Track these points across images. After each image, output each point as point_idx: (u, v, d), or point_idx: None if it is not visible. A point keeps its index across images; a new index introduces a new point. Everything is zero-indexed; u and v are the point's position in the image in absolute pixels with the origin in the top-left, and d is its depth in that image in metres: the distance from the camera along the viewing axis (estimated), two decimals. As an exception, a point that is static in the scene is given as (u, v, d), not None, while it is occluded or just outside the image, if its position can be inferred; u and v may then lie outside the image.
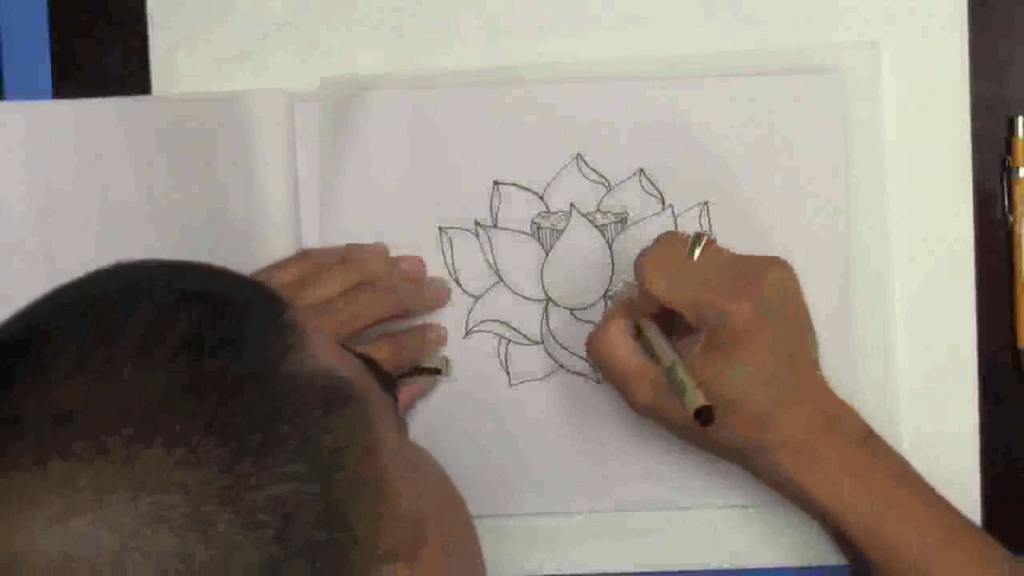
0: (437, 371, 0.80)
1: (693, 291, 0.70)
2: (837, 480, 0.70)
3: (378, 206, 0.81)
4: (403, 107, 0.81)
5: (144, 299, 0.50)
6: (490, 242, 0.81)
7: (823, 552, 0.80)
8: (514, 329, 0.81)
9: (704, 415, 0.66)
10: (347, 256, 0.78)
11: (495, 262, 0.81)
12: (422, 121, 0.81)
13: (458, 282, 0.81)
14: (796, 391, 0.70)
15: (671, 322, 0.73)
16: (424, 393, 0.80)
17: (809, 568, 0.80)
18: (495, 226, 0.81)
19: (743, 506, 0.80)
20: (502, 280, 0.81)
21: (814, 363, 0.73)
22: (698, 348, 0.69)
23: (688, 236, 0.72)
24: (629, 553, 0.81)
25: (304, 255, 0.79)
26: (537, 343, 0.81)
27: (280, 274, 0.77)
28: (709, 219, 0.79)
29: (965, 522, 0.72)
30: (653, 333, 0.72)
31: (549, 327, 0.81)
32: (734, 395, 0.68)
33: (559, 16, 0.81)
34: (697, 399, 0.67)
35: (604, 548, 0.81)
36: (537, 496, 0.81)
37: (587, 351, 0.75)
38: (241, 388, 0.48)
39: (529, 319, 0.81)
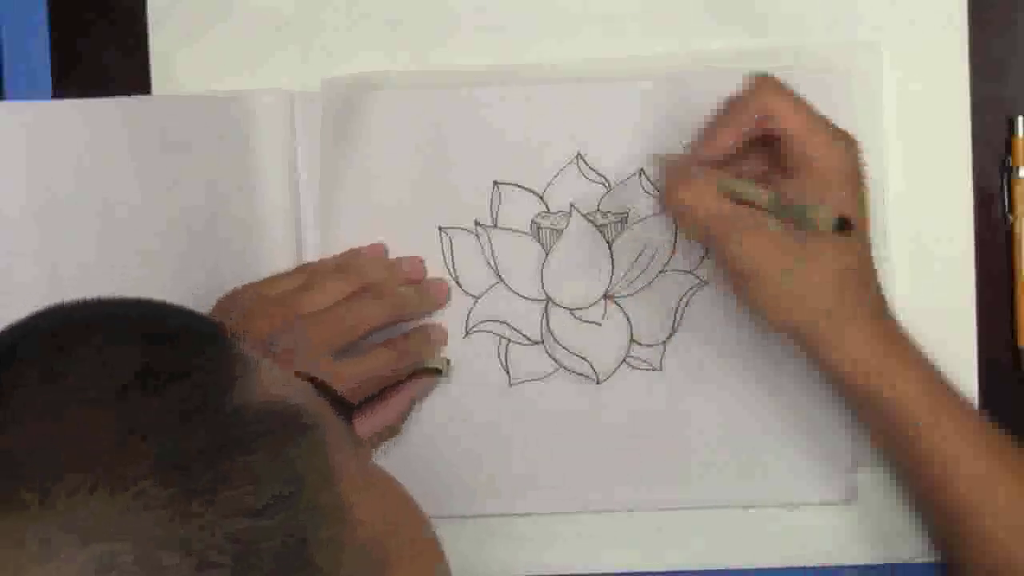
0: (438, 371, 0.80)
1: (802, 116, 0.71)
2: (858, 331, 0.71)
3: (378, 206, 0.81)
4: (403, 107, 0.81)
5: (88, 338, 0.48)
6: (490, 242, 0.81)
7: (823, 552, 0.80)
8: (514, 329, 0.81)
9: (844, 224, 0.66)
10: (346, 263, 0.78)
11: (495, 262, 0.81)
12: (422, 121, 0.81)
13: (458, 282, 0.81)
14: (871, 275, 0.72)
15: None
16: (426, 394, 0.80)
17: (810, 568, 0.80)
18: (495, 226, 0.81)
19: (743, 506, 0.80)
20: (502, 280, 0.81)
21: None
22: (796, 184, 0.70)
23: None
24: (629, 553, 0.81)
25: (303, 268, 0.79)
26: (537, 343, 0.81)
27: (280, 283, 0.77)
28: (709, 219, 0.79)
29: (973, 410, 0.74)
30: (734, 182, 0.71)
31: (549, 327, 0.81)
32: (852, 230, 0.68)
33: (559, 16, 0.81)
34: (827, 213, 0.67)
35: (604, 548, 0.81)
36: (537, 496, 0.81)
37: (667, 202, 0.74)
38: (189, 424, 0.46)
39: (529, 319, 0.81)
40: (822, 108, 0.78)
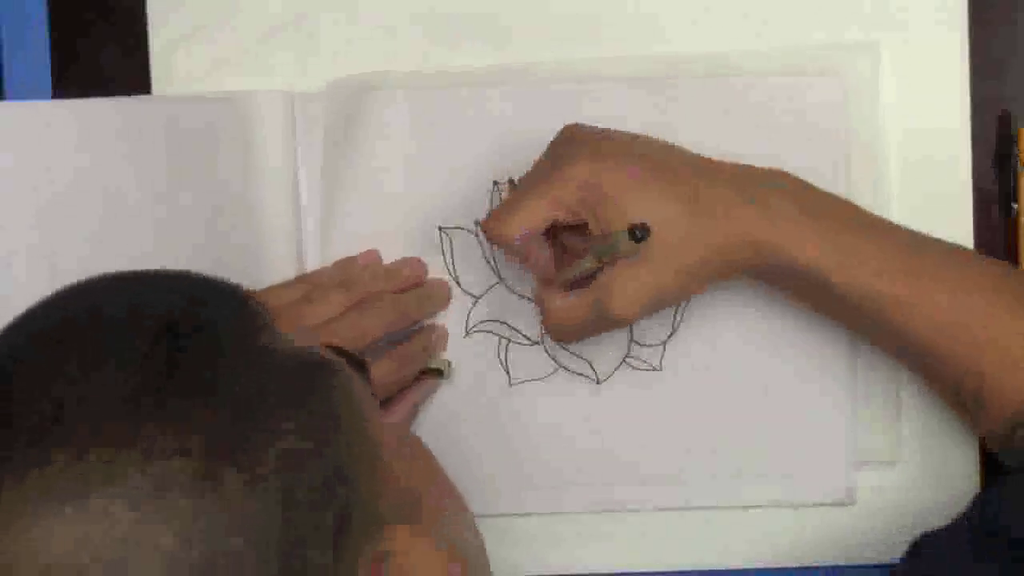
0: (439, 372, 0.80)
1: (535, 199, 0.71)
2: (797, 225, 0.70)
3: (378, 206, 0.81)
4: (403, 107, 0.81)
5: (118, 300, 0.52)
6: (490, 242, 0.81)
7: (823, 552, 0.80)
8: (514, 329, 0.81)
9: (638, 232, 0.66)
10: (346, 273, 0.78)
11: (495, 262, 0.81)
12: (422, 121, 0.81)
13: (458, 282, 0.81)
14: (704, 172, 0.71)
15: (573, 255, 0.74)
16: (428, 396, 0.80)
17: (810, 568, 0.80)
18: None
19: (743, 506, 0.80)
20: (502, 280, 0.81)
21: (686, 153, 0.73)
22: (593, 228, 0.70)
23: (497, 188, 0.76)
24: (629, 553, 0.81)
25: (302, 278, 0.79)
26: (537, 343, 0.81)
27: (280, 294, 0.77)
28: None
29: (934, 243, 0.73)
30: (567, 270, 0.73)
31: (549, 327, 0.81)
32: (648, 215, 0.68)
33: (559, 17, 0.81)
34: (619, 231, 0.67)
35: (604, 548, 0.81)
36: (537, 496, 0.81)
37: (557, 340, 0.77)
38: (226, 359, 0.50)
39: (529, 319, 0.81)
40: (822, 108, 0.78)
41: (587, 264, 0.71)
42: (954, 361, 0.71)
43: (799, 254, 0.70)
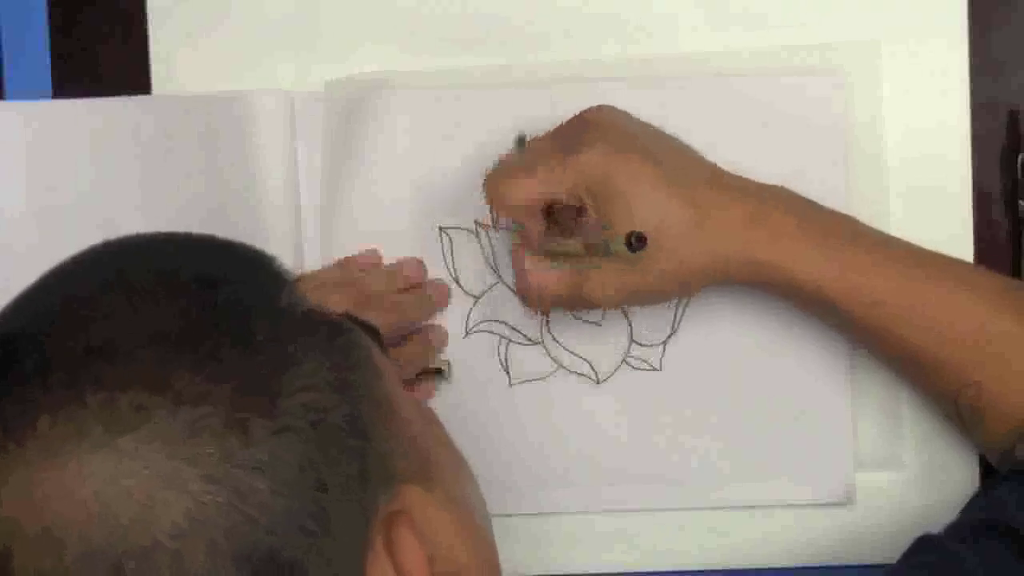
0: (439, 372, 0.80)
1: (542, 172, 0.71)
2: (795, 241, 0.71)
3: (378, 206, 0.81)
4: (404, 107, 0.81)
5: (151, 255, 0.53)
6: (490, 242, 0.81)
7: (823, 552, 0.80)
8: (514, 329, 0.81)
9: (636, 241, 0.67)
10: (345, 274, 0.78)
11: (495, 262, 0.81)
12: (422, 121, 0.81)
13: (458, 282, 0.81)
14: (709, 181, 0.72)
15: (564, 226, 0.74)
16: (428, 397, 0.80)
17: (810, 568, 0.80)
18: (495, 226, 0.81)
19: (743, 506, 0.80)
20: (502, 280, 0.81)
21: (699, 159, 0.74)
22: (592, 214, 0.70)
23: (513, 146, 0.74)
24: (629, 553, 0.81)
25: (300, 279, 0.79)
26: (537, 343, 0.81)
27: None
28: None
29: (932, 256, 0.73)
30: (553, 244, 0.73)
31: (549, 327, 0.81)
32: (649, 216, 0.69)
33: (559, 17, 0.81)
34: (618, 237, 0.67)
35: (604, 548, 0.81)
36: (537, 496, 0.81)
37: (529, 305, 0.76)
38: (252, 313, 0.51)
39: (529, 319, 0.81)
40: (822, 108, 0.78)
41: (575, 248, 0.71)
42: (953, 373, 0.71)
43: (798, 272, 0.71)
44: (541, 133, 0.75)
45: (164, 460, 0.46)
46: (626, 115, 0.74)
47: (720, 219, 0.71)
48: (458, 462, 0.62)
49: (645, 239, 0.67)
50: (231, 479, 0.47)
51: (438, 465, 0.58)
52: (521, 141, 0.74)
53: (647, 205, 0.70)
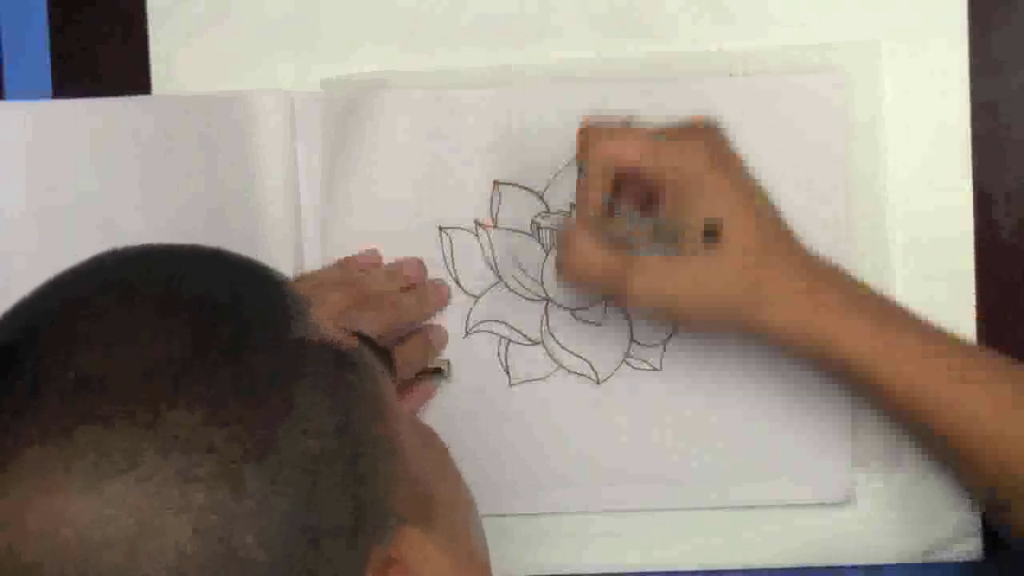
0: (439, 372, 0.80)
1: (643, 140, 0.70)
2: (847, 320, 0.70)
3: (378, 206, 0.81)
4: (403, 107, 0.81)
5: (154, 273, 0.51)
6: (490, 242, 0.81)
7: (823, 552, 0.80)
8: (514, 329, 0.81)
9: (713, 228, 0.65)
10: (345, 273, 0.78)
11: (495, 262, 0.81)
12: (422, 121, 0.81)
13: (458, 282, 0.81)
14: (782, 230, 0.71)
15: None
16: (429, 397, 0.80)
17: (810, 568, 0.80)
18: (495, 226, 0.81)
19: (743, 506, 0.80)
20: (502, 280, 0.81)
21: (781, 215, 0.73)
22: (667, 203, 0.69)
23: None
24: (629, 553, 0.81)
25: (301, 278, 0.79)
26: (537, 343, 0.81)
27: None
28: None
29: (980, 351, 0.74)
30: (616, 219, 0.71)
31: (549, 327, 0.81)
32: (725, 228, 0.68)
33: (559, 17, 0.81)
34: (696, 223, 0.66)
35: (604, 548, 0.81)
36: (537, 496, 0.81)
37: (563, 275, 0.73)
38: (256, 348, 0.49)
39: (529, 319, 0.81)
40: (822, 108, 0.78)
41: (638, 232, 0.69)
42: (991, 464, 0.70)
43: (849, 351, 0.70)
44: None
45: (151, 508, 0.45)
46: (737, 160, 0.73)
47: (775, 287, 0.70)
48: (460, 496, 0.61)
49: (720, 233, 0.65)
50: (219, 531, 0.45)
51: (440, 503, 0.56)
52: (627, 120, 0.72)
53: (728, 212, 0.69)
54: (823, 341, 0.70)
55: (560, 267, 0.73)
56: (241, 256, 0.55)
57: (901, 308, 0.73)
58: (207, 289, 0.50)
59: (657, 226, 0.68)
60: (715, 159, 0.70)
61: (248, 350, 0.49)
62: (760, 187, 0.72)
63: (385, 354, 0.57)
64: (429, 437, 0.61)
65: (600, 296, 0.79)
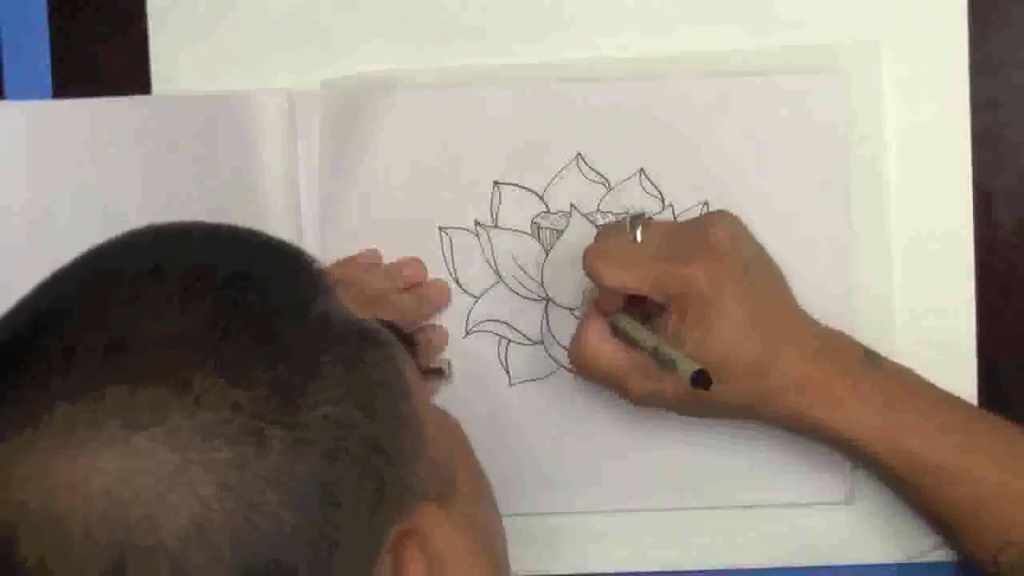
0: (439, 372, 0.80)
1: (645, 269, 0.71)
2: (848, 406, 0.71)
3: (378, 206, 0.81)
4: (403, 107, 0.81)
5: (183, 247, 0.53)
6: (490, 242, 0.81)
7: (823, 552, 0.80)
8: (514, 329, 0.81)
9: (700, 379, 0.65)
10: (345, 273, 0.78)
11: (495, 262, 0.81)
12: (422, 121, 0.81)
13: (458, 282, 0.81)
14: (781, 331, 0.71)
15: (644, 309, 0.73)
16: (432, 396, 0.80)
17: (810, 568, 0.80)
18: (495, 226, 0.81)
19: (743, 506, 0.80)
20: (502, 280, 0.81)
21: (790, 299, 0.74)
22: (673, 321, 0.70)
23: (627, 219, 0.73)
24: (629, 553, 0.81)
25: None
26: (537, 343, 0.81)
27: None
28: (709, 219, 0.79)
29: (982, 418, 0.74)
30: (627, 323, 0.72)
31: (549, 327, 0.81)
32: (722, 353, 0.69)
33: (558, 17, 0.81)
34: (689, 366, 0.66)
35: (604, 548, 0.81)
36: (537, 496, 0.81)
37: (572, 364, 0.76)
38: (283, 319, 0.50)
39: (529, 319, 0.81)
40: (822, 108, 0.78)
41: (646, 341, 0.70)
42: (994, 531, 0.71)
43: (846, 431, 0.71)
44: (658, 219, 0.75)
45: (177, 462, 0.46)
46: (745, 234, 0.73)
47: (782, 380, 0.70)
48: (480, 482, 0.62)
49: (710, 384, 0.65)
50: (243, 488, 0.46)
51: (459, 486, 0.57)
52: (635, 220, 0.73)
53: (722, 338, 0.69)
54: (826, 428, 0.71)
55: (569, 356, 0.76)
56: (272, 236, 0.57)
57: (900, 373, 0.73)
58: (237, 263, 0.52)
59: (657, 351, 0.69)
60: (716, 284, 0.70)
61: (275, 319, 0.50)
62: (763, 283, 0.72)
63: (409, 340, 0.58)
64: (451, 424, 0.62)
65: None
